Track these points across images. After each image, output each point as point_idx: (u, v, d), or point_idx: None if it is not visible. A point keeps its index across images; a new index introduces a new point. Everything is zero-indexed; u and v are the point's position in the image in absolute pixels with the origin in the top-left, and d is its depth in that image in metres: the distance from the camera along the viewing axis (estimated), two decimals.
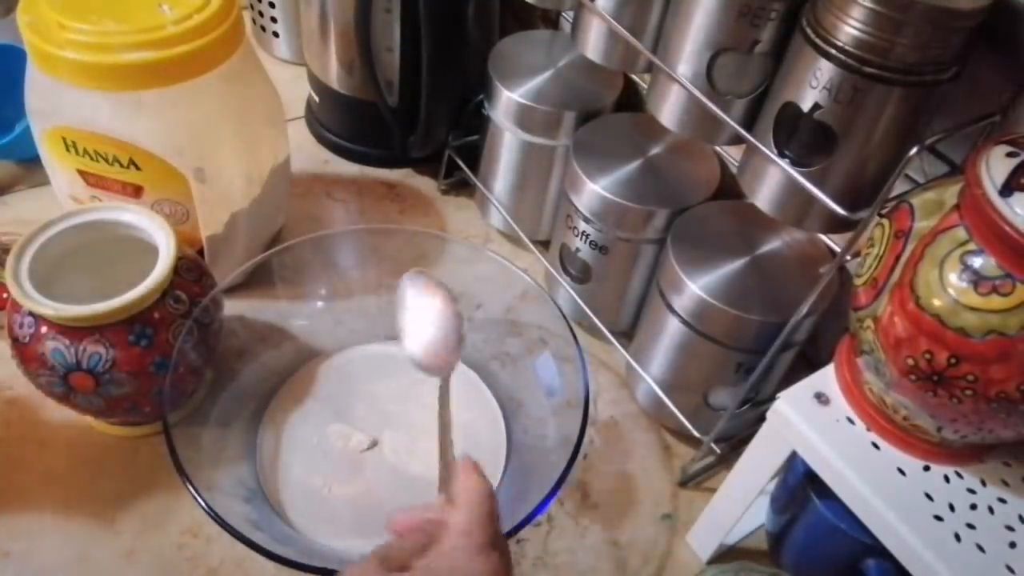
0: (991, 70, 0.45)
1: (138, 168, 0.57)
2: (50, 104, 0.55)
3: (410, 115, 0.75)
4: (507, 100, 0.67)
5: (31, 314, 0.50)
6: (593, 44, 0.57)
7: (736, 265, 0.55)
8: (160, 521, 0.55)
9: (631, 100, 0.71)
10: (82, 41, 0.51)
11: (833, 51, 0.41)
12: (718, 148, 0.65)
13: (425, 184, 0.82)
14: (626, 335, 0.67)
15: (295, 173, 0.77)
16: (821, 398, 0.46)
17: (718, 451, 0.59)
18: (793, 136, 0.46)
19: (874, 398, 0.44)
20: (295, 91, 0.87)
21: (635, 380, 0.64)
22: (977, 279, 0.36)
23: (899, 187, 0.42)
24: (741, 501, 0.52)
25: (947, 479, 0.43)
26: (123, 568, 0.53)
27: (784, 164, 0.45)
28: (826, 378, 0.47)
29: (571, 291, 0.67)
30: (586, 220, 0.62)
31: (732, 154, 0.64)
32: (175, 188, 0.58)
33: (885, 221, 0.41)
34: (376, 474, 0.56)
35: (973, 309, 0.36)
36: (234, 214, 0.63)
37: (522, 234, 0.73)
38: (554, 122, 0.67)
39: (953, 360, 0.37)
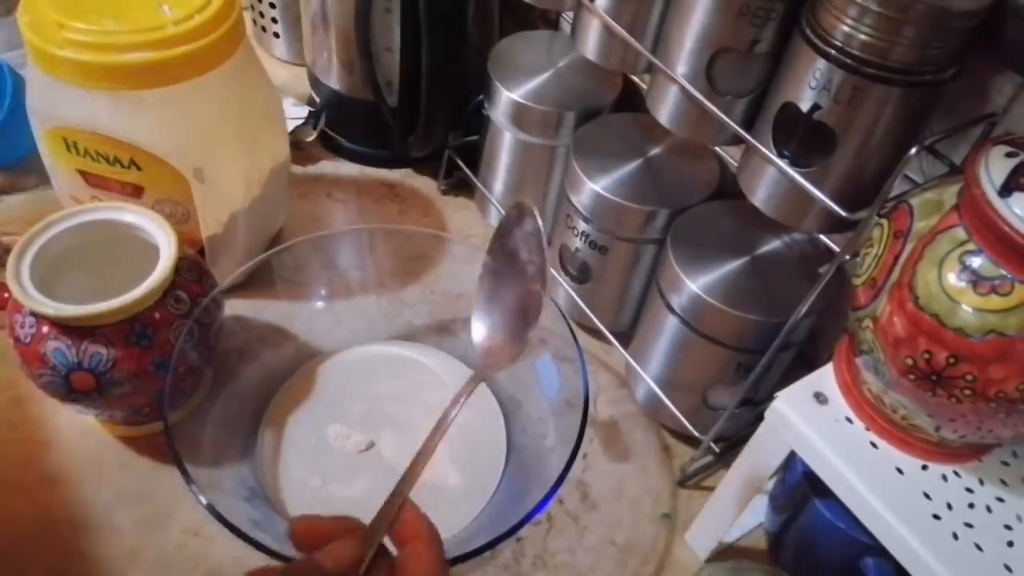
0: (990, 70, 0.45)
1: (138, 168, 0.57)
2: (50, 104, 0.55)
3: (410, 115, 0.75)
4: (507, 100, 0.67)
5: (32, 314, 0.50)
6: (592, 44, 0.57)
7: (735, 265, 0.56)
8: (161, 520, 0.55)
9: (630, 100, 0.71)
10: (82, 41, 0.51)
11: (832, 51, 0.41)
12: (717, 148, 0.65)
13: (425, 184, 0.82)
14: (626, 335, 0.67)
15: (295, 173, 0.77)
16: (820, 398, 0.46)
17: (717, 450, 0.59)
18: (792, 136, 0.46)
19: (873, 398, 0.44)
20: (295, 91, 0.87)
21: (634, 380, 0.65)
22: (976, 279, 0.36)
23: (898, 187, 0.42)
24: (740, 500, 0.52)
25: (945, 478, 0.43)
26: (123, 568, 0.53)
27: (783, 164, 0.45)
28: (825, 378, 0.47)
29: (571, 291, 0.68)
30: (586, 220, 0.62)
31: (731, 154, 0.64)
32: (175, 188, 0.58)
33: (884, 221, 0.41)
34: (374, 475, 0.56)
35: (972, 309, 0.36)
36: (234, 214, 0.63)
37: None
38: (554, 122, 0.67)
39: (952, 360, 0.37)
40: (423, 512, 0.38)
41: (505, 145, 0.71)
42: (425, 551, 0.36)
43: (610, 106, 0.69)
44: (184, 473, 0.46)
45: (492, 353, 0.48)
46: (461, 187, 0.81)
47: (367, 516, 0.53)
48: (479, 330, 0.49)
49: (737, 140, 0.49)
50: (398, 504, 0.38)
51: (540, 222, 0.46)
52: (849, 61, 0.41)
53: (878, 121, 0.42)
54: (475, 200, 0.80)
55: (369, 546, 0.36)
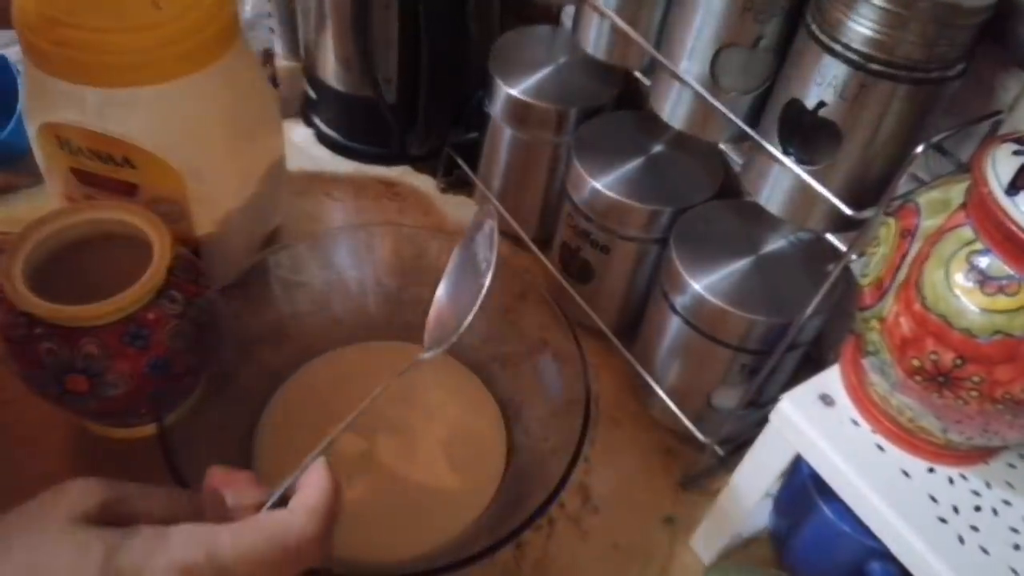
0: (998, 67, 0.45)
1: (132, 166, 0.56)
2: (44, 101, 0.55)
3: (409, 112, 0.75)
4: (507, 97, 0.67)
5: (24, 314, 0.49)
6: (594, 40, 0.56)
7: (740, 265, 0.55)
8: None
9: (633, 97, 0.70)
10: (76, 37, 0.51)
11: (838, 47, 0.41)
12: (721, 146, 0.64)
13: (424, 182, 0.82)
14: (628, 336, 0.66)
15: (292, 171, 0.76)
16: (826, 399, 0.45)
17: (721, 453, 0.58)
18: (797, 133, 0.46)
19: (879, 399, 0.44)
20: (291, 88, 0.86)
21: (637, 381, 0.64)
22: (983, 279, 0.35)
23: (905, 185, 0.41)
24: (744, 504, 0.52)
25: (951, 481, 0.43)
26: None
27: (789, 162, 0.45)
28: (831, 379, 0.47)
29: (572, 291, 0.67)
30: (587, 219, 0.62)
31: (735, 152, 0.64)
32: (170, 186, 0.58)
33: (891, 220, 0.41)
34: (373, 477, 0.55)
35: (979, 309, 0.35)
36: (229, 212, 0.62)
37: (522, 233, 0.72)
38: (555, 119, 0.67)
39: (959, 361, 0.36)
40: (328, 472, 0.42)
41: (505, 142, 0.70)
42: (312, 492, 0.40)
43: (612, 103, 0.69)
44: (177, 477, 0.46)
45: (433, 330, 0.50)
46: (461, 185, 0.81)
47: (366, 518, 0.53)
48: (430, 316, 0.51)
49: (741, 137, 0.49)
50: (311, 464, 0.42)
51: (495, 223, 0.49)
52: (855, 57, 0.40)
53: (884, 118, 0.42)
54: (475, 198, 0.80)
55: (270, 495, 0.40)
